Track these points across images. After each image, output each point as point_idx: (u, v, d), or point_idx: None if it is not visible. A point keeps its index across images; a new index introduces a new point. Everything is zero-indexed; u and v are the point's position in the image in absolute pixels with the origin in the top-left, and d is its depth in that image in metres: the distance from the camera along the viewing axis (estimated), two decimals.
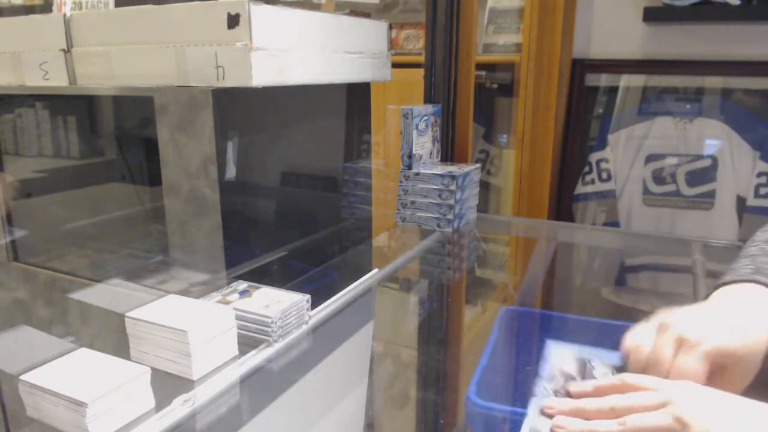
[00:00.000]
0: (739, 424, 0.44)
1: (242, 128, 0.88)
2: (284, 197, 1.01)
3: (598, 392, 0.55)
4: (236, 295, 0.77)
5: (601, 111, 1.83)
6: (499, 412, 0.84)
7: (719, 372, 0.53)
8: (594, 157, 1.81)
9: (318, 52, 0.90)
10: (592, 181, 1.81)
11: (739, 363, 0.52)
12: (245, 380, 0.68)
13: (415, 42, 2.03)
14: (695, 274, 1.04)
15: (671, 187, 1.73)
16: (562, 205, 1.89)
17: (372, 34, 1.04)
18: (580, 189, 1.84)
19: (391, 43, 1.13)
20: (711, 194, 1.68)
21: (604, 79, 1.82)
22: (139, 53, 0.82)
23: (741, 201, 1.65)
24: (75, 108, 1.07)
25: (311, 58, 0.88)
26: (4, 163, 1.12)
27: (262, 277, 0.91)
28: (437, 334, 1.19)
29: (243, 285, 0.81)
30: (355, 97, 1.15)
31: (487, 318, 1.33)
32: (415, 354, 1.18)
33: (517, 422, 0.86)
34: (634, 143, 1.76)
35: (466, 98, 1.43)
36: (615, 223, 1.79)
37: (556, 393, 0.57)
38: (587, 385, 0.57)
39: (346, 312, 0.89)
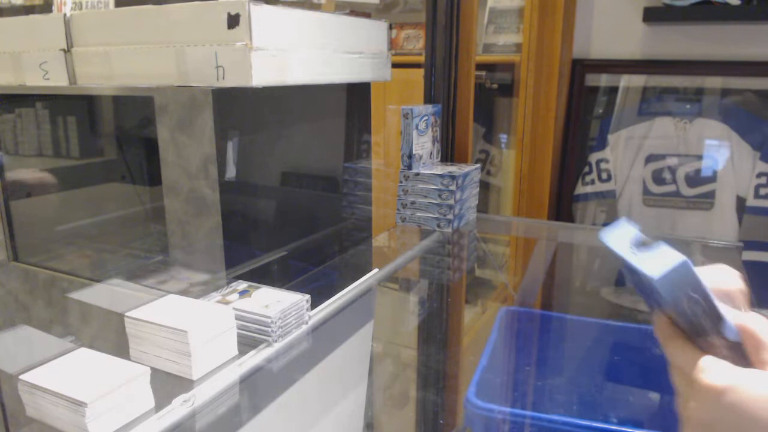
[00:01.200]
0: None
1: (242, 128, 0.88)
2: (284, 197, 1.01)
3: None
4: (236, 295, 0.77)
5: (601, 111, 1.83)
6: (499, 413, 0.84)
7: None
8: (594, 157, 1.81)
9: (318, 52, 0.90)
10: (592, 182, 1.81)
11: None
12: (245, 380, 0.68)
13: (415, 42, 2.03)
14: None
15: (671, 188, 1.73)
16: (562, 205, 1.89)
17: (372, 34, 1.04)
18: (580, 189, 1.84)
19: (391, 43, 1.13)
20: (711, 194, 1.68)
21: (604, 80, 1.82)
22: (139, 53, 0.82)
23: (741, 201, 1.65)
24: (75, 108, 1.07)
25: (311, 58, 0.88)
26: (4, 163, 1.12)
27: (262, 277, 0.91)
28: (437, 334, 1.19)
29: (243, 285, 0.81)
30: (355, 97, 1.15)
31: (487, 318, 1.33)
32: (415, 354, 1.18)
33: (516, 423, 0.86)
34: (634, 143, 1.76)
35: (466, 98, 1.43)
36: None
37: None
38: None
39: (346, 312, 0.89)
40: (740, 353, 0.47)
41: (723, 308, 0.48)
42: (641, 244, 0.51)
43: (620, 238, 0.53)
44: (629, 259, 0.50)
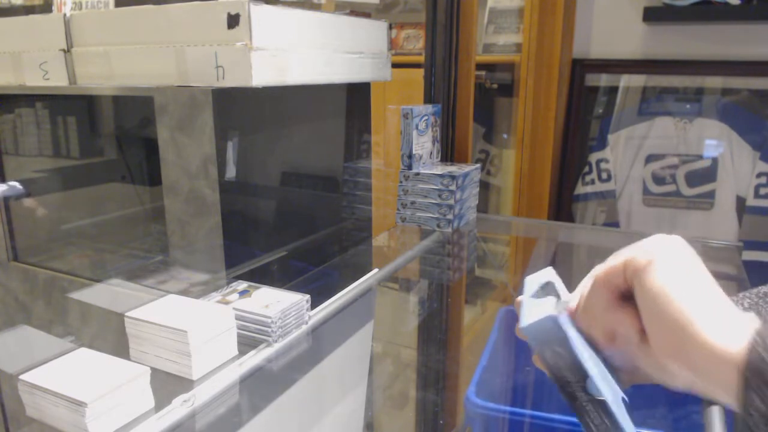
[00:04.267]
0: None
1: (242, 128, 0.88)
2: (284, 197, 1.01)
3: None
4: (236, 295, 0.77)
5: (601, 111, 1.83)
6: (499, 412, 0.84)
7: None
8: (594, 157, 1.81)
9: (318, 52, 0.90)
10: (592, 181, 1.81)
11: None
12: (245, 380, 0.68)
13: (415, 42, 2.03)
14: None
15: (671, 187, 1.73)
16: (562, 205, 1.89)
17: (372, 34, 1.04)
18: (580, 189, 1.84)
19: (391, 43, 1.13)
20: (711, 194, 1.68)
21: (604, 79, 1.82)
22: (139, 53, 0.82)
23: (741, 201, 1.65)
24: (75, 108, 1.07)
25: (311, 58, 0.88)
26: (4, 163, 1.12)
27: (262, 277, 0.91)
28: (437, 334, 1.19)
29: (243, 285, 0.81)
30: (355, 97, 1.15)
31: (487, 318, 1.33)
32: (415, 354, 1.18)
33: (516, 422, 0.86)
34: (634, 143, 1.76)
35: (466, 98, 1.43)
36: (615, 223, 1.79)
37: None
38: None
39: (346, 312, 0.89)
40: (604, 409, 0.48)
41: (589, 365, 0.48)
42: (541, 292, 0.54)
43: (536, 280, 0.56)
44: (524, 302, 0.53)
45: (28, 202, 1.13)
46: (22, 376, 0.58)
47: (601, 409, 0.49)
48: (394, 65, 1.14)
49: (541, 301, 0.53)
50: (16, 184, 1.10)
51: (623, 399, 0.50)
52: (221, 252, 0.85)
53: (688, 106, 1.71)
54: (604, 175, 1.79)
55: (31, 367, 0.60)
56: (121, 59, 0.84)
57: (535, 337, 0.50)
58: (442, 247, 1.24)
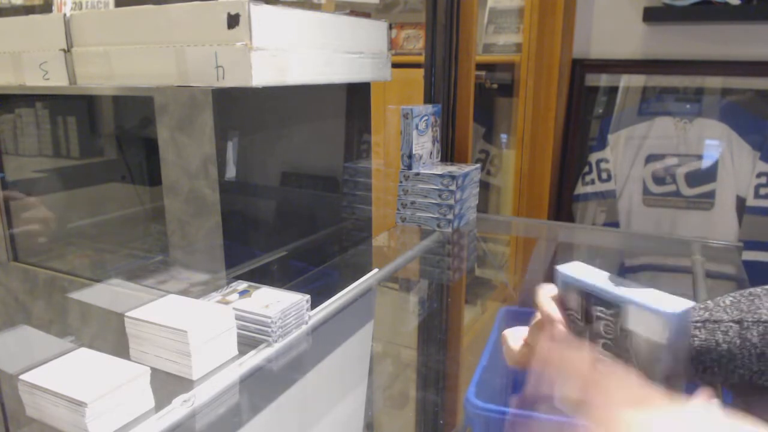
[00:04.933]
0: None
1: (242, 128, 0.88)
2: (284, 197, 1.01)
3: None
4: (236, 295, 0.77)
5: (601, 111, 1.83)
6: (499, 413, 0.84)
7: None
8: (594, 157, 1.81)
9: (318, 52, 0.90)
10: (592, 181, 1.81)
11: None
12: (245, 380, 0.68)
13: (415, 42, 2.02)
14: (695, 274, 1.04)
15: (671, 187, 1.73)
16: (562, 205, 1.89)
17: (372, 34, 1.04)
18: (580, 189, 1.84)
19: (391, 43, 1.13)
20: (711, 194, 1.68)
21: (604, 79, 1.82)
22: (139, 53, 0.82)
23: (741, 201, 1.65)
24: (75, 108, 1.07)
25: (311, 58, 0.88)
26: (4, 163, 1.12)
27: (261, 277, 0.91)
28: (437, 334, 1.19)
29: (243, 285, 0.81)
30: (355, 97, 1.15)
31: (487, 318, 1.33)
32: (415, 354, 1.18)
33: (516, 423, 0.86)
34: (634, 143, 1.76)
35: (466, 98, 1.43)
36: (615, 223, 1.79)
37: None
38: None
39: (346, 312, 0.89)
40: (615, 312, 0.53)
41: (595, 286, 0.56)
42: (619, 282, 0.55)
43: (589, 274, 0.57)
44: (623, 294, 0.53)
45: (28, 201, 1.13)
46: (22, 376, 0.58)
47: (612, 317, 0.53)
48: (394, 65, 1.14)
49: (651, 292, 0.56)
50: None
51: None
52: (221, 252, 0.85)
53: (688, 106, 1.71)
54: (604, 175, 1.79)
55: (31, 367, 0.60)
56: (121, 59, 0.84)
57: (683, 324, 0.51)
58: (442, 247, 1.24)
